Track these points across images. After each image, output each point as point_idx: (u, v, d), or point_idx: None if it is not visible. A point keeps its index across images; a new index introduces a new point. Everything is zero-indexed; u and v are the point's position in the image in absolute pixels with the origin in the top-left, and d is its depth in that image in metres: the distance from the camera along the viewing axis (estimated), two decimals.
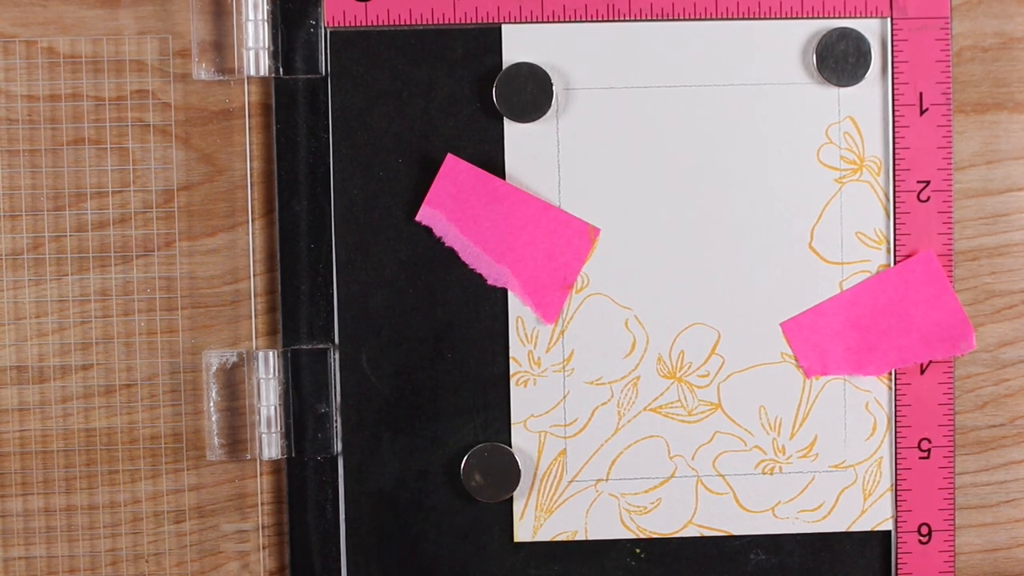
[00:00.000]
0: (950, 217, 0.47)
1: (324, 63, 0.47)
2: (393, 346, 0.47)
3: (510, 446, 0.47)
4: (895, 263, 0.47)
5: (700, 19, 0.47)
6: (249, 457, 0.47)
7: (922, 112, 0.47)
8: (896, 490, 0.47)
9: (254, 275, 0.48)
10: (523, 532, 0.48)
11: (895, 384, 0.47)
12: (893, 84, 0.47)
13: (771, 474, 0.48)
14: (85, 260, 0.47)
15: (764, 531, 0.48)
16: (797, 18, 0.47)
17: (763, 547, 0.48)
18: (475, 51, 0.47)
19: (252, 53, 0.46)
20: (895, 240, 0.47)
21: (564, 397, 0.47)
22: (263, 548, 0.48)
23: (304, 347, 0.47)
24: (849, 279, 0.47)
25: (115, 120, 0.47)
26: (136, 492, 0.48)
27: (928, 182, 0.47)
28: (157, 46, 0.47)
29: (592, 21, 0.47)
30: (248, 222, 0.47)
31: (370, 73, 0.47)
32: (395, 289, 0.47)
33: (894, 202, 0.47)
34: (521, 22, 0.47)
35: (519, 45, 0.47)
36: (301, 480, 0.47)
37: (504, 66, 0.47)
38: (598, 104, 0.47)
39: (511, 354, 0.47)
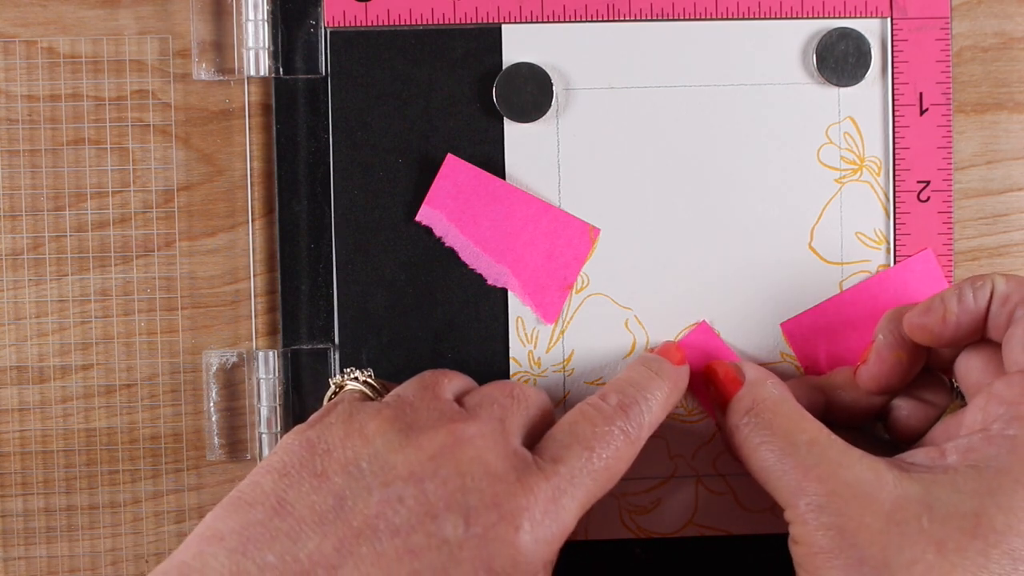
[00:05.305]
0: (950, 217, 0.47)
1: (324, 63, 0.47)
2: (393, 346, 0.47)
3: None
4: (895, 263, 0.47)
5: (700, 19, 0.47)
6: (249, 457, 0.47)
7: (922, 112, 0.47)
8: None
9: (254, 275, 0.48)
10: None
11: None
12: (893, 84, 0.47)
13: None
14: (85, 260, 0.47)
15: (764, 531, 0.48)
16: (797, 18, 0.47)
17: (763, 547, 0.48)
18: (475, 51, 0.47)
19: (252, 53, 0.46)
20: (895, 240, 0.47)
21: (564, 397, 0.47)
22: None
23: (304, 347, 0.47)
24: (849, 279, 0.47)
25: (115, 120, 0.47)
26: (136, 492, 0.48)
27: (928, 182, 0.47)
28: (157, 46, 0.47)
29: (592, 21, 0.47)
30: (248, 222, 0.47)
31: (370, 73, 0.47)
32: (395, 289, 0.47)
33: (894, 202, 0.47)
34: (521, 22, 0.47)
35: (519, 45, 0.47)
36: None
37: (504, 66, 0.47)
38: (598, 104, 0.47)
39: (511, 354, 0.47)
